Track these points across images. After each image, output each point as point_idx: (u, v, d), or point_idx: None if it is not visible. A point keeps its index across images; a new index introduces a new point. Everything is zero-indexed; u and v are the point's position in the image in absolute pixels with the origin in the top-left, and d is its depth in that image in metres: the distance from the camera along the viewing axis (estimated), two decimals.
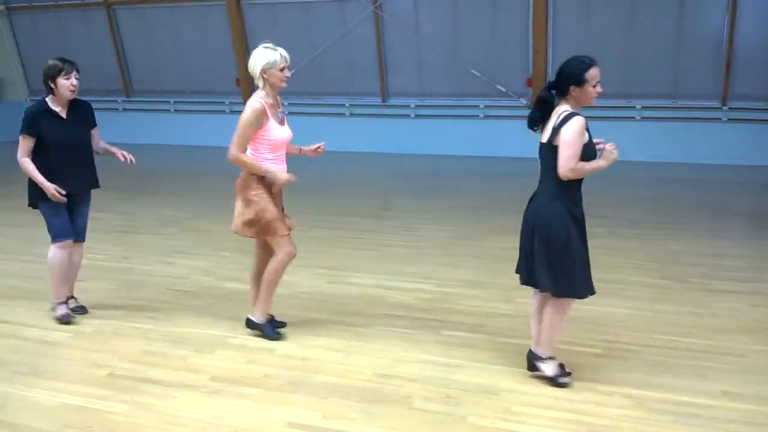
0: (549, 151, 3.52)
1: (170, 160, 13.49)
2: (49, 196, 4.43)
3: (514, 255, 6.38)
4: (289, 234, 4.28)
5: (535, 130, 3.69)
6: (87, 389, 3.68)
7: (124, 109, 15.83)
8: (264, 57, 4.07)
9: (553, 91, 3.59)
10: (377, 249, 6.69)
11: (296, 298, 5.16)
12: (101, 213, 8.24)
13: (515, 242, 6.98)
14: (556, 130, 3.47)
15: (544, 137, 3.58)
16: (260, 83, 4.12)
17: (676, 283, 5.49)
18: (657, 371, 3.86)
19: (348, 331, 4.47)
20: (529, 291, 3.92)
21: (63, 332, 4.50)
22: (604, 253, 6.39)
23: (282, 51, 4.10)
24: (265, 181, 4.16)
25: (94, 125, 4.71)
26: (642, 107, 12.34)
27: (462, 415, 3.38)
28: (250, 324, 4.42)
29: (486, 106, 13.46)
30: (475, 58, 13.24)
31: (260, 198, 4.15)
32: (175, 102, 15.68)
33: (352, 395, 3.57)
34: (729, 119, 12.01)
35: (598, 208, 8.48)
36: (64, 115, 4.50)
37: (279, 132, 4.17)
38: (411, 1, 13.46)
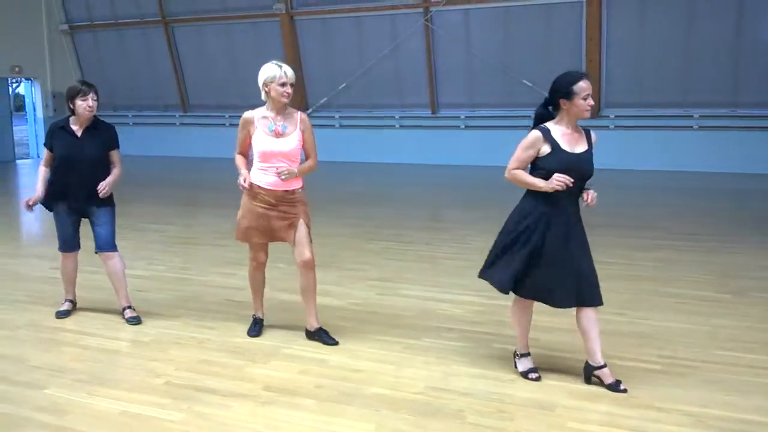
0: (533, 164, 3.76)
1: (226, 173, 13.73)
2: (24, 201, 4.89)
3: None
4: (255, 244, 4.58)
5: None
6: (145, 397, 3.77)
7: (181, 124, 16.26)
8: (266, 72, 4.26)
9: (550, 107, 3.72)
10: (428, 261, 6.69)
11: (348, 309, 5.20)
12: (163, 225, 8.51)
13: None
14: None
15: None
16: (263, 96, 4.34)
17: (736, 297, 5.32)
18: (717, 388, 3.74)
19: (399, 344, 4.48)
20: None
21: (122, 341, 4.64)
22: (662, 266, 6.27)
23: (286, 68, 4.26)
24: (252, 190, 4.39)
25: (112, 148, 4.95)
26: (700, 116, 12.03)
27: (516, 431, 3.34)
28: (308, 335, 4.61)
29: None
30: (527, 68, 13.16)
31: (243, 203, 4.48)
32: (230, 116, 16.02)
33: (404, 408, 3.58)
34: None
35: (655, 221, 8.31)
36: (79, 133, 4.83)
37: (266, 144, 4.33)
38: (461, 12, 13.48)
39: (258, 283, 4.77)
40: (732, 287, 5.57)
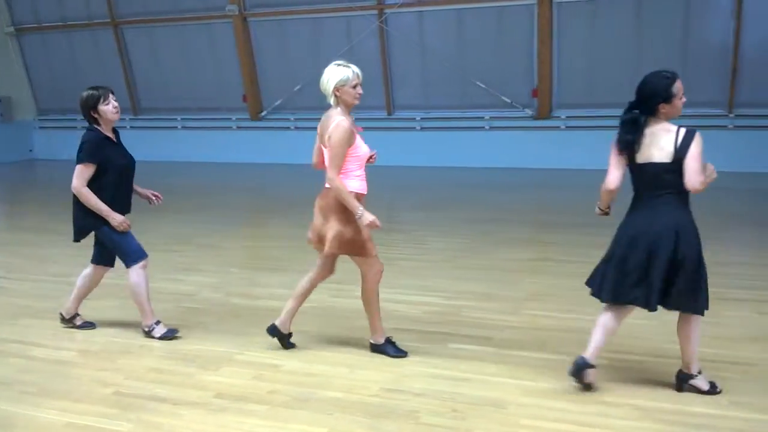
0: (672, 170, 3.51)
1: (178, 177, 13.55)
2: (117, 226, 4.48)
3: (523, 266, 6.48)
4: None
5: (622, 153, 3.65)
6: (94, 408, 3.68)
7: (132, 128, 15.93)
8: (337, 74, 3.97)
9: (638, 111, 3.57)
10: (384, 262, 6.65)
11: (302, 313, 5.10)
12: None
13: (524, 253, 7.04)
14: (683, 148, 3.46)
15: (653, 157, 3.54)
16: (332, 101, 4.04)
17: None
18: (666, 381, 3.82)
19: (355, 346, 4.46)
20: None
21: (71, 351, 4.52)
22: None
23: (354, 68, 4.01)
24: (357, 199, 4.08)
25: None
26: None
27: (468, 429, 3.36)
28: (373, 348, 4.35)
29: (491, 118, 13.50)
30: (481, 69, 13.28)
31: (350, 218, 4.07)
32: (182, 119, 15.79)
33: (359, 411, 3.56)
34: (735, 126, 11.97)
35: (608, 218, 8.45)
36: (115, 140, 4.63)
37: (364, 147, 4.15)
38: (415, 14, 13.54)
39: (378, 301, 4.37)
40: None
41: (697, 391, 3.67)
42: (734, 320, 4.82)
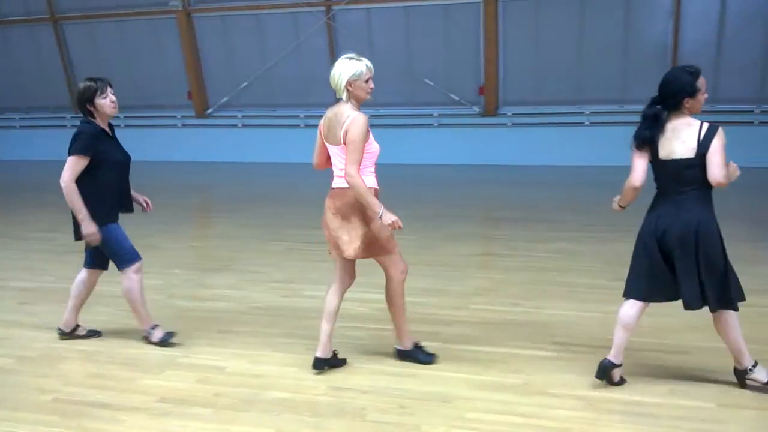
0: (695, 165, 3.48)
1: None
2: (86, 235, 4.23)
3: (470, 262, 6.54)
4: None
5: (641, 149, 3.64)
6: (32, 416, 3.56)
7: (73, 126, 15.44)
8: (349, 69, 3.82)
9: (660, 106, 3.55)
10: (332, 261, 6.64)
11: (250, 313, 5.09)
12: (51, 233, 8.04)
13: (470, 249, 7.11)
14: (706, 142, 3.44)
15: (675, 153, 3.52)
16: (344, 96, 3.88)
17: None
18: None
19: (302, 345, 4.42)
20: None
21: (8, 358, 4.36)
22: (559, 257, 6.50)
23: (366, 61, 3.87)
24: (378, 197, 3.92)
25: None
26: (591, 113, 12.60)
27: (415, 424, 3.37)
28: (400, 355, 4.15)
29: (440, 115, 13.59)
30: (429, 67, 13.36)
31: (381, 211, 3.89)
32: (125, 117, 15.41)
33: (305, 410, 3.54)
34: None
35: (554, 214, 8.62)
36: (110, 134, 4.42)
37: (376, 144, 4.03)
38: (363, 11, 13.52)
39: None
40: (621, 275, 5.81)
41: (759, 383, 3.61)
42: (675, 310, 4.93)
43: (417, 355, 4.12)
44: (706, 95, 3.56)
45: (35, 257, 6.99)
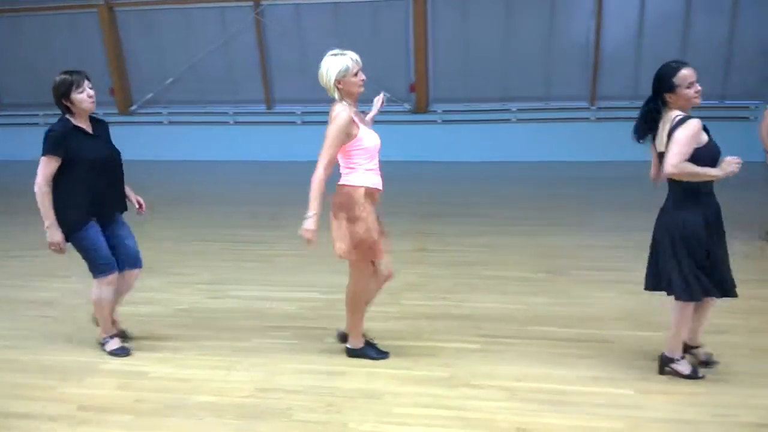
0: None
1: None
2: (49, 243, 4.04)
3: (402, 257, 6.55)
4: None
5: (641, 142, 3.71)
6: None
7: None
8: (335, 66, 3.74)
9: (656, 101, 3.60)
10: (263, 260, 6.58)
11: (175, 316, 4.97)
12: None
13: (402, 245, 7.14)
14: (670, 134, 3.49)
15: (663, 146, 3.57)
16: (336, 95, 3.79)
17: (549, 276, 5.73)
18: (532, 362, 4.01)
19: (229, 348, 4.35)
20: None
21: None
22: (486, 250, 6.60)
23: (352, 54, 3.78)
24: (371, 195, 3.84)
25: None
26: (517, 110, 12.86)
27: (343, 422, 3.37)
28: (350, 353, 4.13)
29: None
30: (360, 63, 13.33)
31: (368, 215, 3.81)
32: (44, 115, 14.79)
33: (230, 413, 3.48)
34: (597, 118, 12.73)
35: (482, 208, 8.76)
36: (91, 131, 4.11)
37: (374, 138, 3.88)
38: (292, 7, 13.38)
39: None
40: (548, 267, 5.99)
41: (677, 375, 3.75)
42: (597, 300, 5.11)
43: (368, 351, 4.11)
44: (696, 88, 3.52)
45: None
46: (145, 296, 5.40)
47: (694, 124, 3.46)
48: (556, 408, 3.47)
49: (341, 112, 3.74)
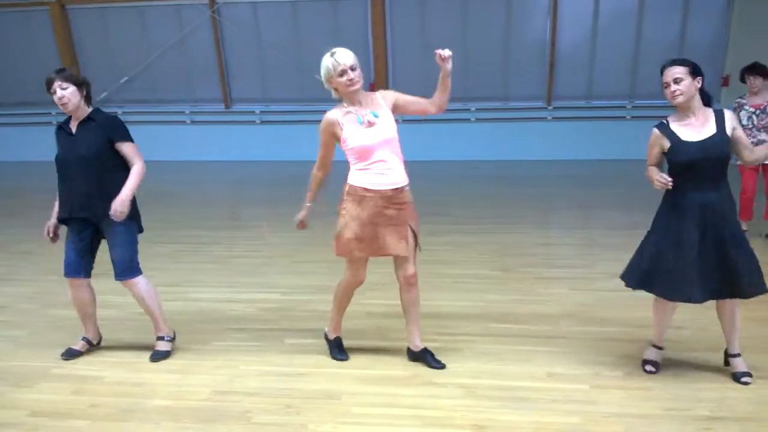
0: None
1: None
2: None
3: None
4: (357, 259, 3.97)
5: None
6: None
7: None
8: (323, 68, 3.74)
9: None
10: (222, 261, 6.52)
11: (132, 320, 4.87)
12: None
13: None
14: None
15: None
16: (334, 95, 3.85)
17: (506, 274, 5.81)
18: (488, 359, 4.06)
19: (186, 350, 4.30)
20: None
21: None
22: (448, 249, 6.66)
23: (338, 55, 3.71)
24: (358, 194, 3.83)
25: (117, 141, 3.97)
26: (476, 109, 12.99)
27: (302, 423, 3.36)
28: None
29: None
30: (318, 63, 13.28)
31: (346, 210, 3.87)
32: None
33: (187, 417, 3.44)
34: (554, 118, 12.94)
35: (445, 207, 8.82)
36: (74, 130, 4.00)
37: (361, 137, 3.75)
38: (249, 5, 13.27)
39: (346, 303, 4.20)
40: (504, 265, 6.07)
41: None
42: (552, 297, 5.20)
43: (426, 358, 4.02)
44: (671, 90, 3.56)
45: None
46: (102, 299, 5.26)
47: (651, 135, 3.68)
48: (512, 404, 3.52)
49: (327, 114, 3.82)
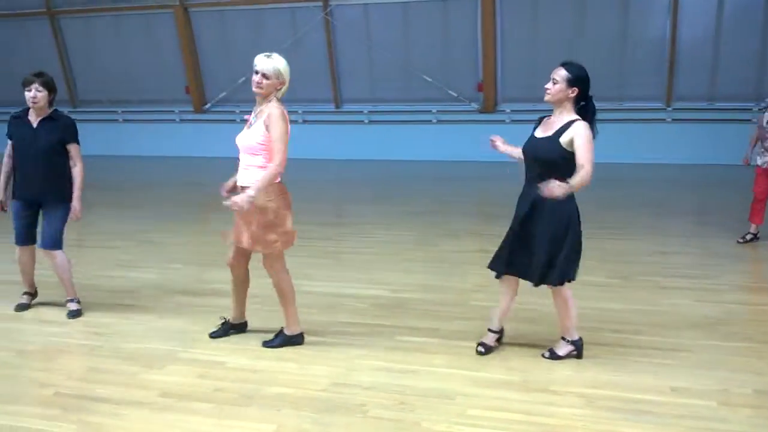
0: None
1: (119, 171, 13.20)
2: None
3: (468, 258, 6.54)
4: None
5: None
6: (33, 410, 3.56)
7: (100, 120, 15.47)
8: (286, 66, 4.13)
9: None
10: (332, 257, 6.66)
11: (248, 309, 5.06)
12: None
13: (469, 245, 7.11)
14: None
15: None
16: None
17: (624, 282, 5.60)
18: (607, 369, 3.92)
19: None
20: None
21: (8, 351, 4.35)
22: None
23: (259, 57, 4.06)
24: (281, 187, 4.14)
25: (69, 141, 4.84)
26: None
27: (416, 421, 3.37)
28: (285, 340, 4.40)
29: (438, 111, 13.57)
30: (427, 63, 13.33)
31: (278, 206, 4.09)
32: (123, 112, 15.37)
33: (306, 406, 3.53)
34: (673, 120, 12.35)
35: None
36: (35, 124, 4.79)
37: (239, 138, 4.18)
38: (361, 7, 13.47)
39: None
40: (620, 272, 5.86)
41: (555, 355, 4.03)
42: (674, 308, 4.97)
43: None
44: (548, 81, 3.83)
45: None
46: (220, 288, 5.55)
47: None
48: (635, 417, 3.38)
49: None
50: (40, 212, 4.95)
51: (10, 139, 4.88)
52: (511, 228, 4.03)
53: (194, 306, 5.17)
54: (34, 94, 4.70)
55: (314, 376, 3.88)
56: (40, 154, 4.75)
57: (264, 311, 4.85)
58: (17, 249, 5.02)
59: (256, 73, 4.01)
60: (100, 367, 4.08)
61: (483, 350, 4.13)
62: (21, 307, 5.12)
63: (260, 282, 4.58)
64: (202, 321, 4.78)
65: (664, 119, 12.38)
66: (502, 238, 4.10)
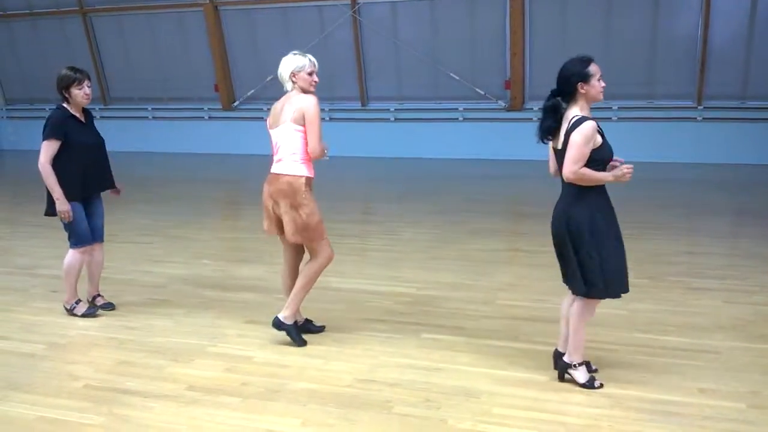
0: (563, 156, 3.50)
1: (149, 167, 13.39)
2: (59, 211, 4.67)
3: (495, 257, 6.52)
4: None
5: (545, 142, 3.65)
6: (63, 401, 3.63)
7: (102, 117, 15.66)
8: (294, 62, 4.24)
9: (559, 98, 3.54)
10: (358, 254, 6.69)
11: (277, 304, 5.11)
12: None
13: (496, 244, 7.08)
14: (567, 135, 3.46)
15: (559, 144, 3.55)
16: (288, 86, 4.29)
17: (653, 282, 5.54)
18: (635, 370, 3.88)
19: (328, 337, 4.45)
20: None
21: (38, 344, 4.44)
22: None
23: (311, 57, 4.29)
24: (309, 183, 4.29)
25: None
26: (618, 108, 12.45)
27: (442, 419, 3.38)
28: (277, 324, 4.37)
29: (465, 109, 13.52)
30: (454, 61, 13.29)
31: (309, 200, 4.24)
32: (153, 109, 15.58)
33: (332, 401, 3.56)
34: (704, 118, 12.16)
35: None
36: (83, 120, 4.81)
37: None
38: (388, 5, 13.48)
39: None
40: (650, 272, 5.79)
41: (575, 381, 3.68)
42: (703, 309, 4.90)
43: (293, 332, 4.33)
44: (603, 83, 3.50)
45: (65, 245, 7.09)
46: (250, 283, 5.63)
47: (589, 127, 3.41)
48: (662, 419, 3.34)
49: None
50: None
51: (62, 139, 4.62)
52: (617, 239, 3.67)
53: (223, 301, 5.24)
54: (88, 90, 4.72)
55: (340, 372, 3.91)
56: (99, 147, 4.87)
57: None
58: (84, 251, 4.86)
59: (314, 72, 4.29)
60: (129, 361, 4.15)
61: (595, 367, 3.87)
62: (93, 310, 4.97)
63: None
64: (230, 316, 4.84)
65: (695, 118, 12.19)
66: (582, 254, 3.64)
